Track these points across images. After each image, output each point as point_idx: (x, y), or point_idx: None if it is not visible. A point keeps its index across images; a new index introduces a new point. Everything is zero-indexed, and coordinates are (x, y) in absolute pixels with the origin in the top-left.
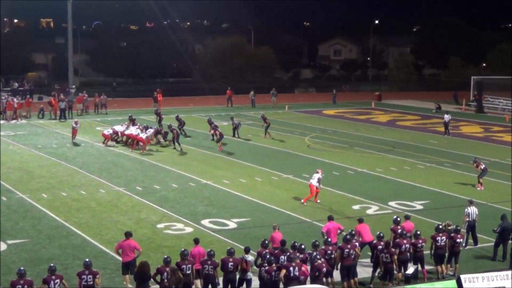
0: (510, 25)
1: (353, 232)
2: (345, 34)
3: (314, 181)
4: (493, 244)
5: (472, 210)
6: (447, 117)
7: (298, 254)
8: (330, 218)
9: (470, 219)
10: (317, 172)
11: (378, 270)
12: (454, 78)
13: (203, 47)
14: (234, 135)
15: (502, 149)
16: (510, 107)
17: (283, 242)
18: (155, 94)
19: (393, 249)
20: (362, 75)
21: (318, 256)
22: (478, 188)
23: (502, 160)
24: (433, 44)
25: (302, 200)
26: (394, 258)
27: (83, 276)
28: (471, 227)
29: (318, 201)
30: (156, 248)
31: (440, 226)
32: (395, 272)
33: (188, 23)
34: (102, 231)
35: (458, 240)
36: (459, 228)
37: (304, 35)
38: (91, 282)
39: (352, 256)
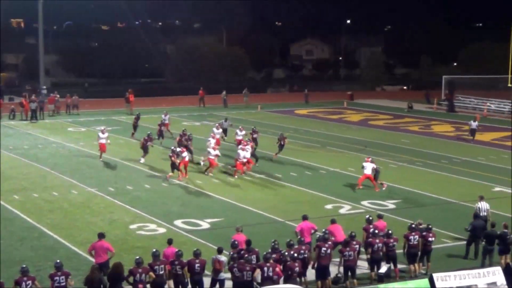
0: (481, 24)
1: (327, 232)
2: (317, 34)
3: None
4: (465, 242)
5: (483, 205)
6: (474, 124)
7: (272, 253)
8: (304, 218)
9: (482, 215)
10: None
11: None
12: (426, 77)
13: (175, 47)
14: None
15: (473, 148)
16: (481, 106)
17: (248, 242)
18: (127, 95)
19: (355, 246)
20: (334, 75)
21: (294, 256)
22: (377, 190)
23: (473, 159)
24: (404, 43)
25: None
26: (356, 255)
27: (56, 278)
28: (486, 223)
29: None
30: (129, 249)
31: (413, 225)
32: (368, 271)
33: (160, 23)
34: (74, 232)
35: (430, 238)
36: (430, 226)
37: (276, 35)
38: (64, 283)
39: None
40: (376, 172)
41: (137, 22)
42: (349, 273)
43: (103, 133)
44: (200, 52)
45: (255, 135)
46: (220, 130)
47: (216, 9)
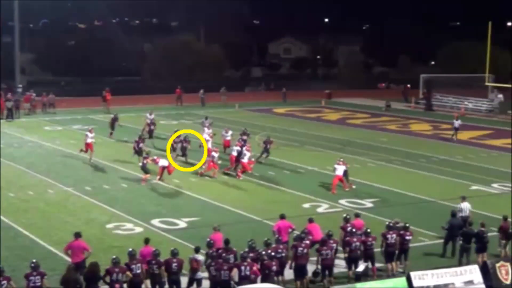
0: (458, 23)
1: (306, 231)
2: (295, 33)
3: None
4: (442, 241)
5: (465, 205)
6: (456, 122)
7: (250, 252)
8: (281, 217)
9: (463, 215)
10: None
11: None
12: (404, 76)
13: (152, 46)
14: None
15: (450, 146)
16: (459, 105)
17: (226, 242)
18: (103, 93)
19: (332, 244)
20: (312, 74)
21: (271, 255)
22: (347, 189)
23: (451, 157)
24: (382, 42)
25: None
26: (333, 253)
27: (31, 278)
28: (464, 222)
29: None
30: (105, 249)
31: (391, 224)
32: (345, 270)
33: (137, 22)
34: (50, 232)
35: (407, 237)
36: (407, 225)
37: (254, 34)
38: (39, 283)
39: (306, 255)
40: (345, 172)
41: (114, 20)
42: (326, 272)
43: (91, 133)
44: (177, 50)
45: (244, 137)
46: (210, 130)
47: (193, 7)
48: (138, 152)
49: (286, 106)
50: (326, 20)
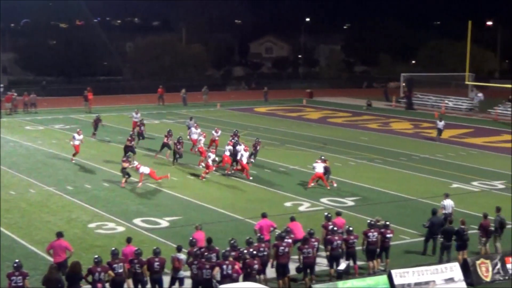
0: (439, 22)
1: (288, 229)
2: (277, 32)
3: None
4: (423, 239)
5: (448, 203)
6: (440, 123)
7: (232, 251)
8: (263, 216)
9: (446, 212)
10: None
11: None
12: (385, 75)
13: (134, 45)
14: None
15: (431, 145)
16: (440, 104)
17: (209, 240)
18: (85, 93)
19: (314, 243)
20: (293, 73)
21: (253, 253)
22: (329, 187)
23: (431, 156)
24: (363, 41)
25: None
26: (315, 251)
27: (13, 278)
28: (446, 220)
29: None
30: (87, 248)
31: (372, 222)
32: (327, 268)
33: (119, 21)
34: (32, 232)
35: (388, 235)
36: (388, 223)
37: (236, 33)
38: (21, 283)
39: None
40: (326, 170)
41: (95, 20)
42: (308, 270)
43: (79, 135)
44: (159, 50)
45: (235, 138)
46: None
47: (175, 7)
48: (128, 151)
49: (268, 105)
50: (307, 19)
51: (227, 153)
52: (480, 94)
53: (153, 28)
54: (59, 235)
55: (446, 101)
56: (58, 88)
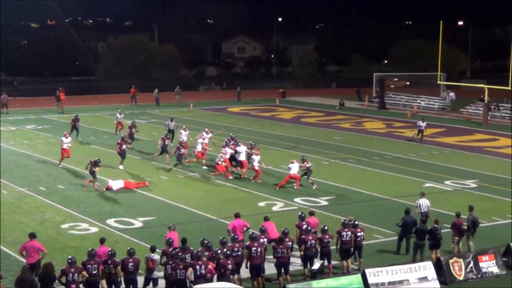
0: (410, 23)
1: (263, 228)
2: (249, 32)
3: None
4: (396, 238)
5: (423, 202)
6: (423, 124)
7: (205, 251)
8: (236, 216)
9: (422, 211)
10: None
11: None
12: (357, 74)
13: (106, 45)
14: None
15: (404, 144)
16: (412, 103)
17: (184, 241)
18: (57, 93)
19: (288, 243)
20: (266, 73)
21: (227, 253)
22: (296, 187)
23: (404, 155)
24: (336, 41)
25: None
26: (290, 252)
27: None
28: (426, 218)
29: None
30: (61, 249)
31: (346, 222)
32: (301, 267)
33: (91, 21)
34: (5, 233)
35: (359, 233)
36: (356, 222)
37: (208, 33)
38: None
39: (260, 255)
40: (308, 171)
41: (67, 20)
42: (283, 270)
43: (66, 138)
44: (131, 50)
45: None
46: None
47: (147, 7)
48: (121, 154)
49: (241, 105)
50: (280, 19)
51: (227, 156)
52: (452, 94)
53: (126, 28)
54: (32, 236)
55: (418, 101)
56: (30, 88)
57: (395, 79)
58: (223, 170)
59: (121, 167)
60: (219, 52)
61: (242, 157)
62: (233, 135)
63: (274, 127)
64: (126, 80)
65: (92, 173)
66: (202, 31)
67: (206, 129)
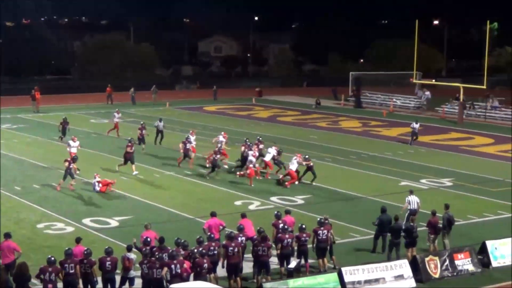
0: (386, 22)
1: (241, 227)
2: (226, 31)
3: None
4: (372, 236)
5: (413, 199)
6: (416, 125)
7: (181, 251)
8: (212, 215)
9: (411, 208)
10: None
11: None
12: (334, 74)
13: (81, 44)
14: (155, 142)
15: (380, 143)
16: (388, 102)
17: (161, 240)
18: (33, 92)
19: (270, 243)
20: (242, 72)
21: (203, 252)
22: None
23: (380, 154)
24: (312, 40)
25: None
26: (270, 251)
27: None
28: (412, 215)
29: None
30: (36, 249)
31: (322, 220)
32: (278, 266)
33: (66, 20)
34: None
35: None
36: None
37: (185, 32)
38: None
39: (237, 254)
40: (310, 170)
41: (42, 19)
42: (263, 270)
43: (74, 141)
44: (107, 49)
45: (261, 146)
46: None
47: (123, 5)
48: (130, 159)
49: (217, 104)
50: (256, 18)
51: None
52: (427, 93)
53: (101, 27)
54: (7, 236)
55: (394, 100)
56: (4, 88)
57: None
58: (253, 174)
59: (135, 172)
60: (196, 51)
61: (267, 158)
62: (260, 138)
63: (250, 126)
64: (102, 79)
65: (70, 172)
66: (178, 30)
67: (223, 133)
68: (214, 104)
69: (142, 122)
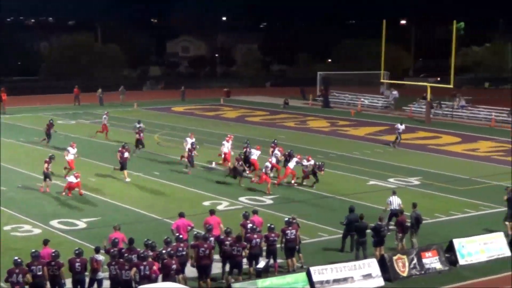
0: (354, 21)
1: (210, 227)
2: (193, 31)
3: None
4: (341, 236)
5: (394, 199)
6: (401, 127)
7: (149, 252)
8: (180, 215)
9: (393, 208)
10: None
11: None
12: (302, 73)
13: (49, 45)
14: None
15: (348, 142)
16: (356, 102)
17: (131, 241)
18: None
19: (245, 243)
20: (210, 72)
21: (171, 253)
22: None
23: (348, 153)
24: (280, 40)
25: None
26: (246, 252)
27: None
28: (394, 215)
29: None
30: (3, 251)
31: (290, 220)
32: (246, 266)
33: (33, 20)
34: None
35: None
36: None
37: (152, 32)
38: None
39: (208, 255)
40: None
41: (8, 19)
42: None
43: (73, 148)
44: (74, 49)
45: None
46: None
47: (90, 6)
48: (123, 164)
49: (185, 104)
50: (224, 18)
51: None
52: (395, 92)
53: (68, 28)
54: None
55: (362, 99)
56: None
57: None
58: (265, 180)
59: (127, 179)
60: (163, 52)
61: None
62: (276, 141)
63: (218, 127)
64: (69, 80)
65: (48, 174)
66: (146, 30)
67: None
68: (182, 104)
69: (139, 126)
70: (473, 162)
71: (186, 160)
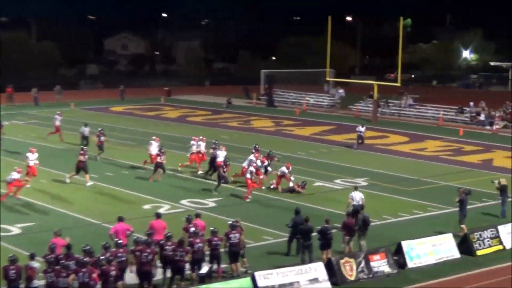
0: (298, 18)
1: (151, 232)
2: (132, 28)
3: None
4: (286, 239)
5: (356, 195)
6: (362, 129)
7: (87, 258)
8: (119, 219)
9: (355, 203)
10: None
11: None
12: (245, 72)
13: None
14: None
15: (293, 142)
16: (301, 101)
17: (69, 247)
18: None
19: (188, 247)
20: (150, 70)
21: (110, 259)
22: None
23: (293, 154)
24: (222, 38)
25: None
26: (189, 257)
27: None
28: (357, 211)
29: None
30: None
31: (234, 223)
32: (189, 272)
33: None
34: None
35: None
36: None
37: (89, 29)
38: None
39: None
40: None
41: None
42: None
43: (32, 153)
44: (7, 47)
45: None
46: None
47: (23, 1)
48: (83, 168)
49: (124, 104)
50: (164, 15)
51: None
52: (341, 91)
53: (1, 24)
54: None
55: (307, 98)
56: None
57: None
58: (254, 186)
59: (89, 183)
60: (101, 50)
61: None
62: (257, 146)
63: (159, 127)
64: (2, 79)
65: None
66: (83, 27)
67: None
68: (121, 104)
69: (100, 129)
70: (421, 162)
71: (153, 164)
